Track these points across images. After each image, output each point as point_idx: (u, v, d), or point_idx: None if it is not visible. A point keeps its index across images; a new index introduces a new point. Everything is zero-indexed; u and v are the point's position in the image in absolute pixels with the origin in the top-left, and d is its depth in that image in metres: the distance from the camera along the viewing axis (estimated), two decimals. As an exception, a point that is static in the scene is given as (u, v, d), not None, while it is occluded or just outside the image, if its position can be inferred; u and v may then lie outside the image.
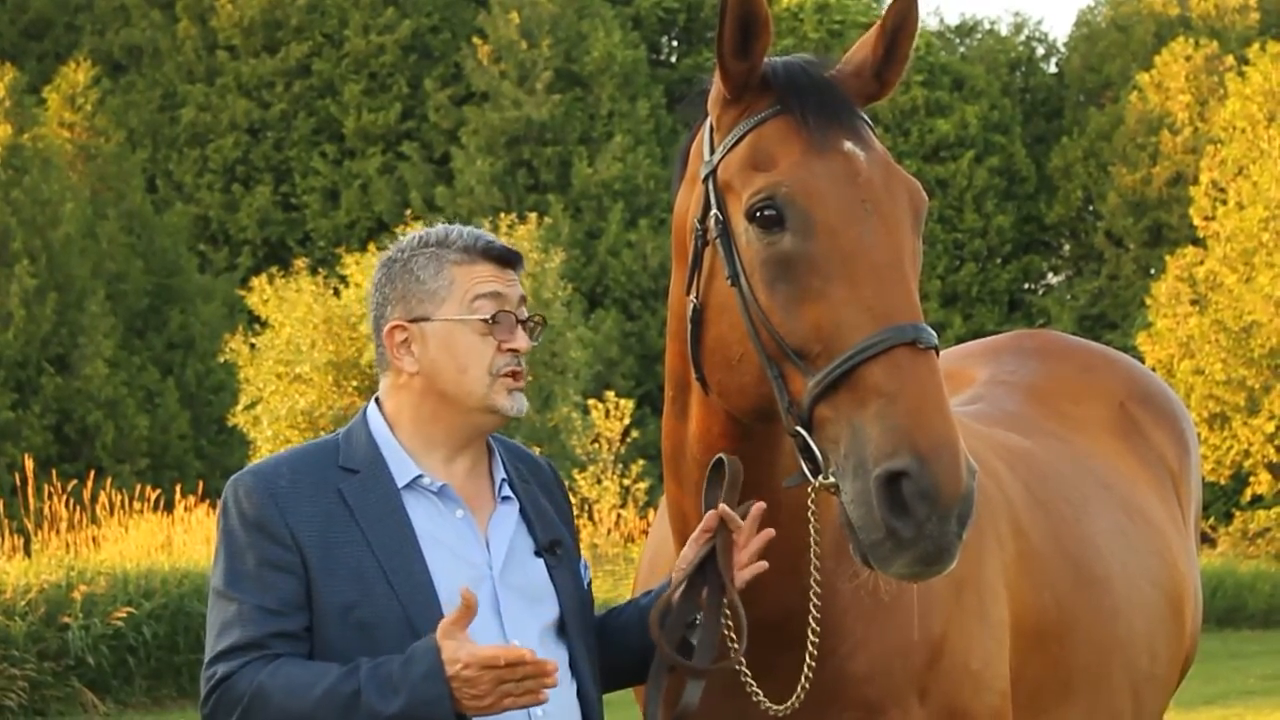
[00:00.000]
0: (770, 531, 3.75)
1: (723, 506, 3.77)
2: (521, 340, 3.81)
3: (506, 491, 3.88)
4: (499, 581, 3.74)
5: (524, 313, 3.86)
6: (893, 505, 3.24)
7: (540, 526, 3.88)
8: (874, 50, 3.70)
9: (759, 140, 3.62)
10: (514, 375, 3.80)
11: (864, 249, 3.45)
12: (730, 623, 3.79)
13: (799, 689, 3.78)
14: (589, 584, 3.99)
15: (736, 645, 3.77)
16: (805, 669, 3.77)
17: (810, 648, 3.77)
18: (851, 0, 54.91)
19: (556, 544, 3.87)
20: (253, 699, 3.51)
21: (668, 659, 3.78)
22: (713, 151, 3.71)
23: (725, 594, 3.77)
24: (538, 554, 3.85)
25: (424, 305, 3.80)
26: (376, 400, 3.91)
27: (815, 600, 3.75)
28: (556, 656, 3.74)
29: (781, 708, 3.79)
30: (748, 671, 3.80)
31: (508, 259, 3.87)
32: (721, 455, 3.81)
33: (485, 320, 3.77)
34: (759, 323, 3.51)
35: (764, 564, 3.76)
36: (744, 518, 3.79)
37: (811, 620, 3.75)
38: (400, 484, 3.76)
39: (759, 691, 3.80)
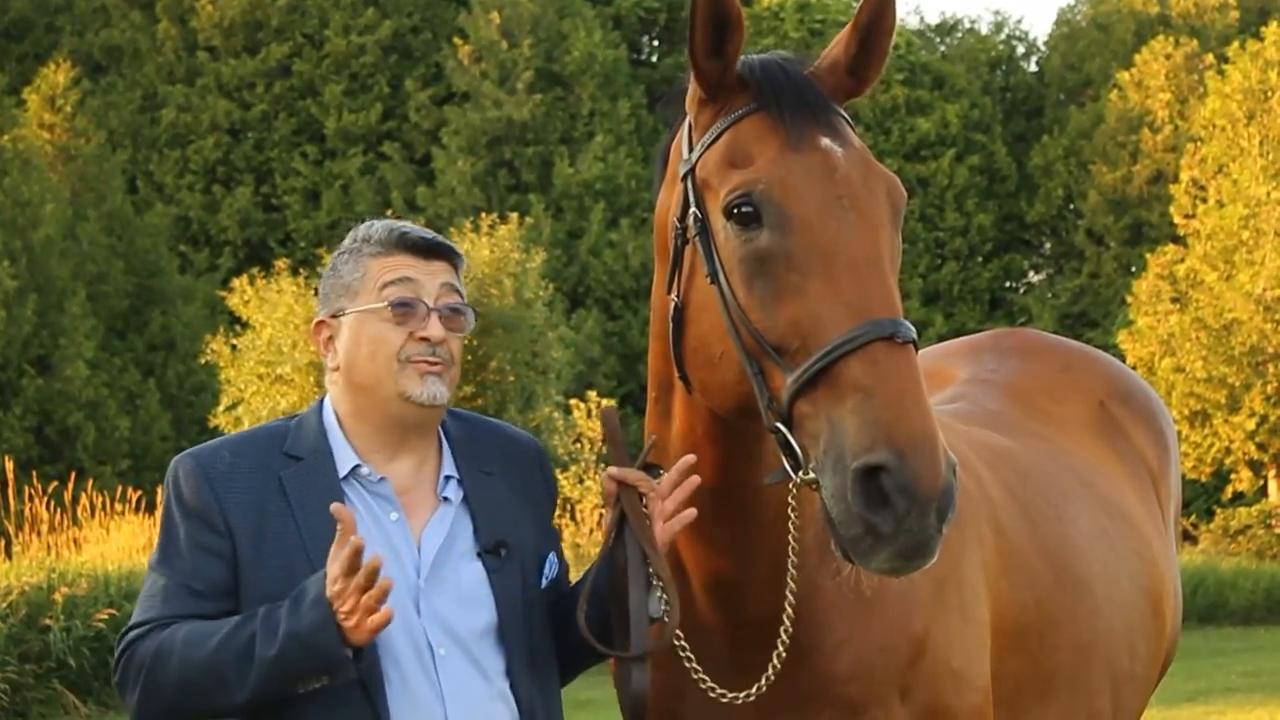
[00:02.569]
0: (695, 479, 3.74)
1: (612, 470, 3.80)
2: (434, 328, 3.76)
3: (449, 492, 3.83)
4: (425, 587, 3.71)
5: (451, 299, 3.82)
6: (871, 500, 3.24)
7: (487, 527, 3.82)
8: (846, 47, 3.70)
9: (736, 138, 3.61)
10: (428, 364, 3.76)
11: (841, 244, 3.44)
12: (663, 595, 3.78)
13: (763, 679, 3.80)
14: (554, 578, 3.93)
15: (669, 618, 3.77)
16: (774, 662, 3.79)
17: (780, 647, 3.79)
18: (832, -1, 54.96)
19: (501, 545, 3.81)
20: (155, 657, 3.55)
21: (599, 652, 3.79)
22: (691, 150, 3.71)
23: (647, 561, 3.77)
24: (480, 556, 3.80)
25: (341, 300, 3.82)
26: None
27: (790, 597, 3.77)
28: (492, 662, 3.73)
29: (737, 695, 3.82)
30: (690, 653, 3.83)
31: (428, 249, 3.84)
32: (603, 410, 3.91)
33: (389, 305, 3.74)
34: (738, 320, 3.50)
35: (691, 511, 3.75)
36: (641, 460, 3.82)
37: (785, 619, 3.77)
38: (341, 474, 3.74)
39: (706, 678, 3.83)
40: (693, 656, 3.84)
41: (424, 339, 3.76)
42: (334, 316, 3.82)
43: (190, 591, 3.63)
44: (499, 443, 3.99)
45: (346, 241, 3.89)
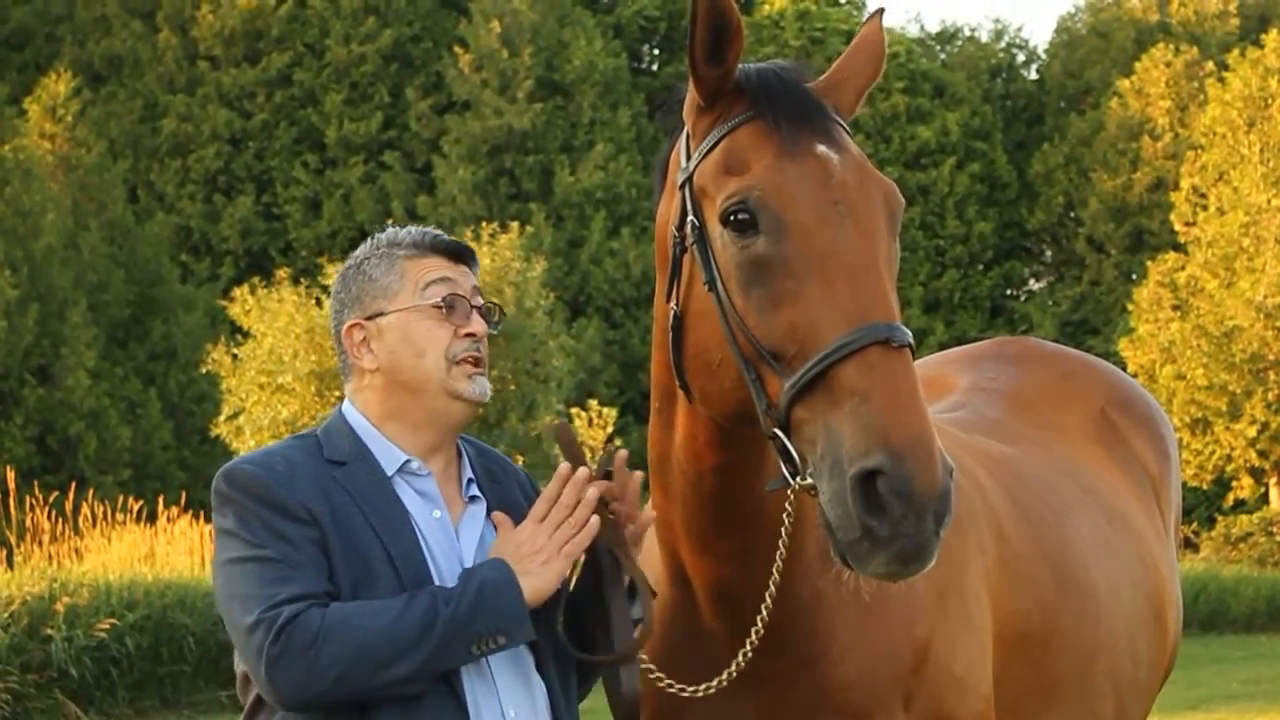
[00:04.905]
0: (638, 475, 3.79)
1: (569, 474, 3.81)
2: (478, 325, 3.83)
3: (474, 491, 3.88)
4: None
5: (479, 300, 3.89)
6: (868, 504, 3.23)
7: None
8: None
9: (733, 145, 3.62)
10: (474, 361, 3.82)
11: (837, 250, 3.45)
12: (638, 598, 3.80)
13: (725, 674, 3.82)
14: None
15: (647, 620, 3.78)
16: (740, 656, 3.81)
17: (753, 635, 3.79)
18: (832, 9, 54.99)
19: None
20: (330, 627, 3.48)
21: (577, 658, 3.80)
22: (689, 159, 3.72)
23: (619, 565, 3.79)
24: None
25: (378, 301, 3.83)
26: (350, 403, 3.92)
27: (772, 590, 3.77)
28: (524, 657, 3.77)
29: (699, 689, 3.83)
30: (646, 658, 3.85)
31: (458, 252, 3.92)
32: (552, 425, 3.89)
33: (438, 305, 3.80)
34: (735, 326, 3.51)
35: (651, 514, 3.85)
36: (602, 467, 3.82)
37: (764, 609, 3.77)
38: (389, 472, 3.77)
39: (663, 675, 3.86)
40: (653, 666, 3.88)
41: (469, 335, 3.82)
42: (369, 318, 3.84)
43: (311, 571, 3.57)
44: (496, 460, 4.07)
45: (367, 248, 3.92)
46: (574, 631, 3.81)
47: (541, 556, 3.57)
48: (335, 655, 3.48)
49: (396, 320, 3.81)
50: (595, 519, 3.61)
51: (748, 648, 3.80)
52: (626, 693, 3.78)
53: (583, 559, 3.80)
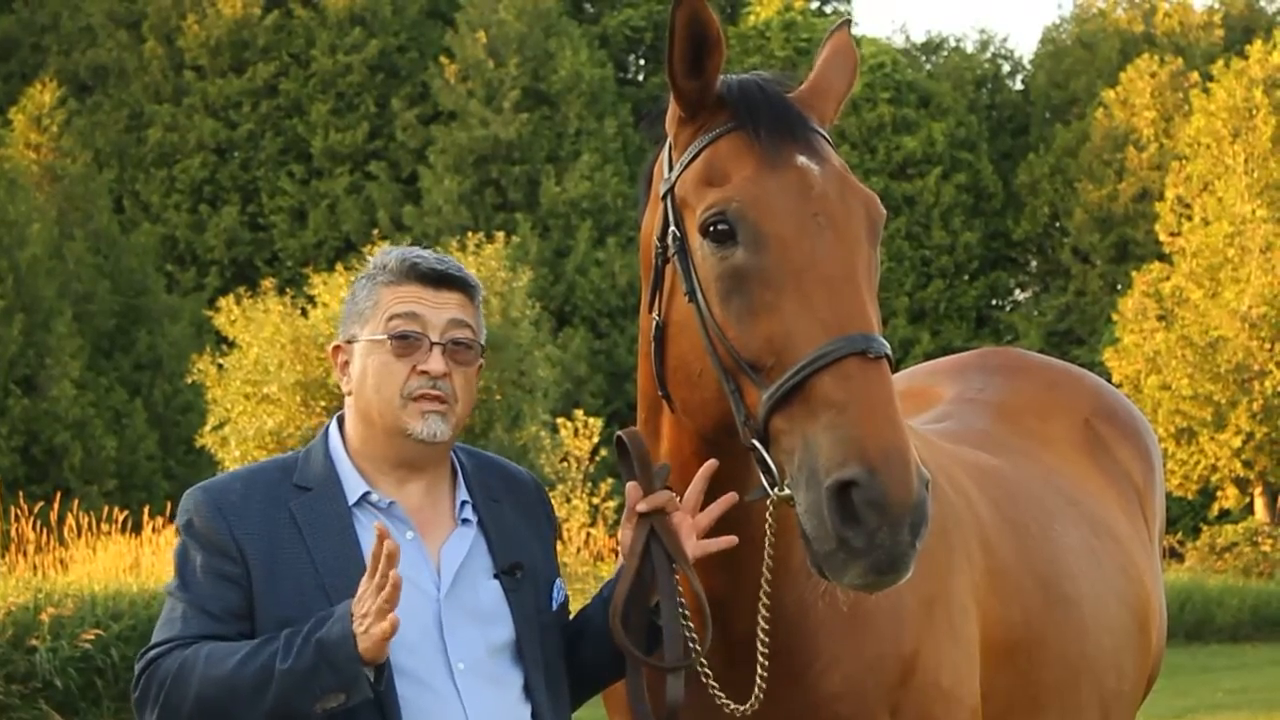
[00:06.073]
0: (733, 495, 3.72)
1: (653, 497, 3.77)
2: (435, 363, 3.76)
3: (467, 514, 3.86)
4: (445, 603, 3.73)
5: (457, 334, 3.81)
6: (844, 515, 3.23)
7: (502, 549, 3.85)
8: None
9: (713, 156, 3.63)
10: (430, 399, 3.76)
11: (815, 261, 3.45)
12: (687, 609, 3.77)
13: (755, 690, 3.75)
14: (562, 604, 3.94)
15: (697, 638, 3.76)
16: (758, 671, 3.75)
17: (761, 648, 3.73)
18: (818, 19, 55.06)
19: (517, 567, 3.84)
20: (175, 675, 3.56)
21: (638, 661, 3.76)
22: (671, 170, 3.73)
23: (676, 574, 3.76)
24: (496, 576, 3.82)
25: (353, 326, 3.84)
26: (339, 418, 3.92)
27: (764, 611, 3.74)
28: (510, 678, 3.75)
29: (744, 707, 3.77)
30: (709, 671, 3.79)
31: (438, 279, 3.83)
32: (620, 434, 3.85)
33: (389, 338, 3.76)
34: (715, 337, 3.52)
35: (732, 538, 3.74)
36: (661, 479, 3.80)
37: (760, 631, 3.74)
38: (350, 501, 3.76)
39: (721, 693, 3.79)
40: (710, 672, 3.81)
41: (424, 373, 3.75)
42: (348, 342, 3.85)
43: (206, 614, 3.64)
44: (501, 475, 4.03)
45: (369, 266, 3.91)
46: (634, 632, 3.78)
47: (365, 624, 3.45)
48: (180, 701, 3.57)
49: (363, 349, 3.81)
50: (394, 617, 3.44)
51: (761, 666, 3.74)
52: (671, 700, 3.75)
53: (635, 564, 3.76)
